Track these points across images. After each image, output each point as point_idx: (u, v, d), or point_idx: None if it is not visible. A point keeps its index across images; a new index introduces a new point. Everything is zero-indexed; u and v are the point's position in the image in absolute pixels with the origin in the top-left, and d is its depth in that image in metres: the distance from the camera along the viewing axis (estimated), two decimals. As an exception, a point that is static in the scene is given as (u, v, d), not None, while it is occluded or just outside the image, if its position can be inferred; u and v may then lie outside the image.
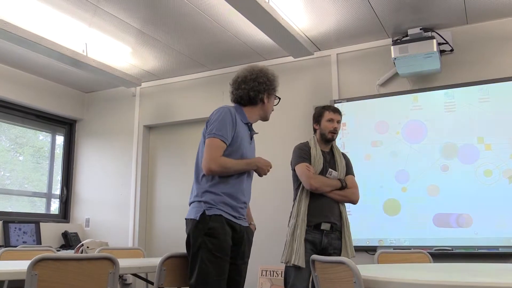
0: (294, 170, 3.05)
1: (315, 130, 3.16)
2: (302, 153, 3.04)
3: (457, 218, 3.68)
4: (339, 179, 3.01)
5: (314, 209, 2.93)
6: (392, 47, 3.81)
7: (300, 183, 2.98)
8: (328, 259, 1.84)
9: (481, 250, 3.55)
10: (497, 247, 3.52)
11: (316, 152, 3.02)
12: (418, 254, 2.90)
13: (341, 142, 4.16)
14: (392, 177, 3.95)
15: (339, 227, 2.97)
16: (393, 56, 3.79)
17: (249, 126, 2.50)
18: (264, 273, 4.22)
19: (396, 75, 4.10)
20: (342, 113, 4.18)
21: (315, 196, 2.95)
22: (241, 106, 2.51)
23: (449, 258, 3.64)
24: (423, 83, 4.05)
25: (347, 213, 3.08)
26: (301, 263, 2.78)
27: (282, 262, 2.90)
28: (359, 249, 3.95)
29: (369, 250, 3.90)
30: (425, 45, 3.70)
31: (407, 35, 3.90)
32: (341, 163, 3.07)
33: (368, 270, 1.84)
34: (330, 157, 3.10)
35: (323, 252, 2.91)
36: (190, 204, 2.37)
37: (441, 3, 3.60)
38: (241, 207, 2.38)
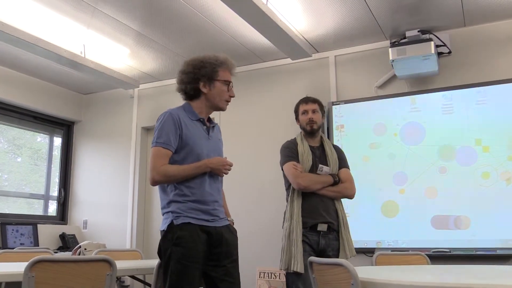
0: (283, 170, 2.93)
1: (300, 127, 3.07)
2: (288, 152, 2.90)
3: (455, 220, 3.68)
4: (331, 174, 2.86)
5: (309, 209, 2.78)
6: (390, 49, 3.81)
7: (290, 184, 2.85)
8: (326, 261, 1.84)
9: (479, 252, 3.55)
10: (495, 249, 3.52)
11: (304, 149, 2.87)
12: (416, 256, 2.90)
13: (339, 144, 4.14)
14: (390, 179, 3.95)
15: (336, 227, 2.83)
16: (391, 58, 3.79)
17: (202, 121, 2.38)
18: (262, 275, 4.21)
19: (394, 77, 4.10)
20: (340, 115, 4.23)
21: (307, 196, 2.80)
22: (190, 102, 2.40)
23: (447, 260, 3.64)
24: (421, 85, 4.05)
25: (346, 215, 2.97)
26: (300, 269, 2.63)
27: (281, 269, 2.76)
28: (357, 251, 3.92)
29: (367, 252, 3.89)
30: (423, 47, 3.70)
31: (405, 37, 3.90)
32: (332, 157, 2.92)
33: (366, 272, 1.84)
34: (320, 152, 2.94)
35: (321, 254, 2.77)
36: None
37: (439, 6, 3.60)
38: (213, 208, 2.29)
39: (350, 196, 2.94)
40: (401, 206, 3.88)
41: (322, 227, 2.77)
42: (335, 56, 4.42)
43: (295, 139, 3.00)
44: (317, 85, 4.46)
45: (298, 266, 2.63)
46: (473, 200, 3.65)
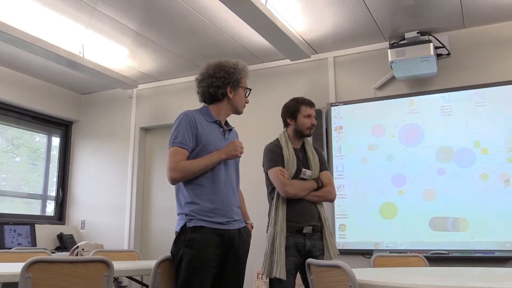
0: (266, 174, 2.88)
1: (287, 125, 2.96)
2: (273, 156, 2.85)
3: (453, 221, 3.68)
4: (315, 180, 2.85)
5: (294, 214, 2.78)
6: (389, 50, 3.81)
7: (274, 188, 2.84)
8: (324, 263, 1.84)
9: (477, 254, 3.55)
10: (493, 251, 3.52)
11: (289, 152, 2.84)
12: (414, 257, 2.90)
13: (337, 146, 4.16)
14: (388, 181, 3.95)
15: (319, 228, 2.84)
16: (390, 59, 3.79)
17: (218, 123, 2.43)
18: (260, 276, 4.21)
19: (392, 78, 4.10)
20: (339, 116, 4.23)
21: (292, 201, 2.80)
22: (207, 105, 2.47)
23: (445, 262, 3.64)
24: (419, 86, 4.05)
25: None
26: (283, 275, 2.62)
27: (263, 274, 2.75)
28: (355, 253, 3.95)
29: (365, 253, 3.89)
30: (422, 49, 3.70)
31: (404, 39, 3.90)
32: (314, 161, 2.89)
33: (364, 274, 1.84)
34: (303, 155, 2.91)
35: (307, 255, 2.74)
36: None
37: (438, 7, 3.60)
38: (229, 208, 2.32)
39: (332, 200, 2.95)
40: (399, 207, 3.87)
41: (308, 229, 2.79)
42: (334, 57, 4.42)
43: (278, 141, 2.92)
44: (316, 86, 4.46)
45: (280, 273, 2.63)
46: (471, 202, 3.65)
